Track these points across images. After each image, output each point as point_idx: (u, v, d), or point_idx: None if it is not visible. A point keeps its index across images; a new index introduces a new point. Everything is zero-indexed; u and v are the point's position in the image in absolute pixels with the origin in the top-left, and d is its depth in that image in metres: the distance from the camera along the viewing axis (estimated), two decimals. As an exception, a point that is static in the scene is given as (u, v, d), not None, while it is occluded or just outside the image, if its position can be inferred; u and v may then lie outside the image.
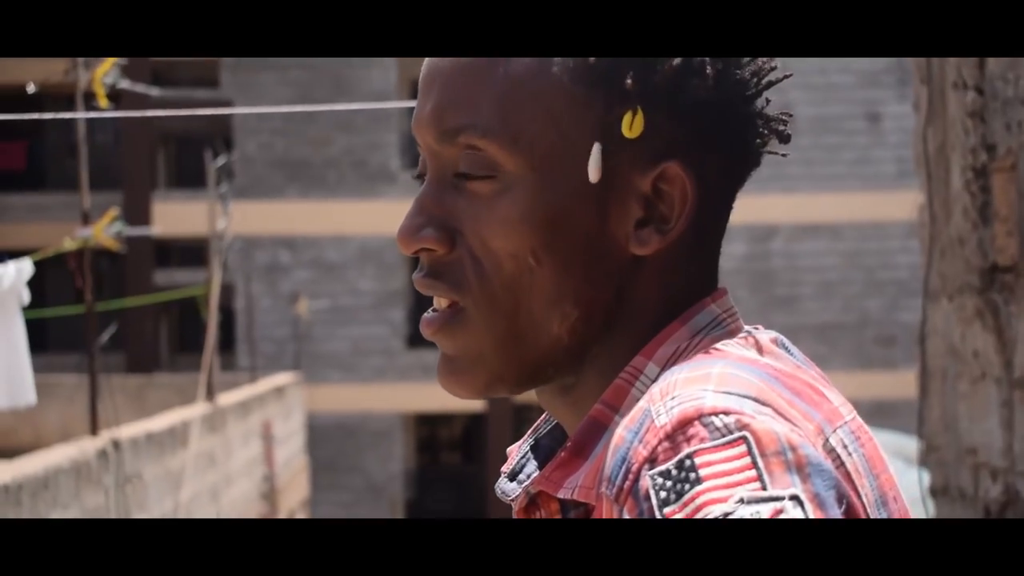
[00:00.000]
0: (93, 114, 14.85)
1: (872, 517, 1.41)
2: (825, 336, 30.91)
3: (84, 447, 11.43)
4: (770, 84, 1.58)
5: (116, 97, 14.26)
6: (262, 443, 18.20)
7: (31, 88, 16.62)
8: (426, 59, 1.60)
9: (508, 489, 1.64)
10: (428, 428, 33.36)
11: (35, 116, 19.11)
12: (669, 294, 1.54)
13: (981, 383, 3.97)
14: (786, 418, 1.39)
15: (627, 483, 1.36)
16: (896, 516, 1.46)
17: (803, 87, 30.83)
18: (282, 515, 19.20)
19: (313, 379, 27.05)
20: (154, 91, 20.27)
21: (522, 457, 1.69)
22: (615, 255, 1.51)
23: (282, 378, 22.01)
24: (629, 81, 1.46)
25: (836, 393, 1.55)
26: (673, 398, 1.37)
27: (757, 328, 1.58)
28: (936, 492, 4.45)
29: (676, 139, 1.49)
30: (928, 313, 4.49)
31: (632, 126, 1.47)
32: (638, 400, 1.44)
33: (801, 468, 1.33)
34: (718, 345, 1.50)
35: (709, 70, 1.51)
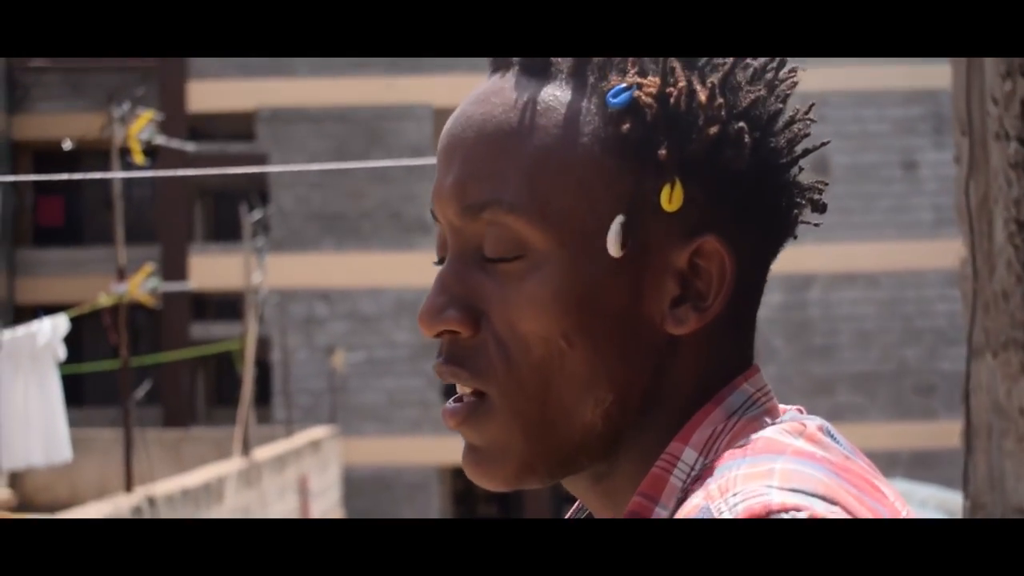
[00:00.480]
0: (128, 174, 15.18)
1: None
2: (863, 386, 30.91)
3: (119, 503, 11.52)
4: (806, 152, 1.51)
5: (152, 152, 14.59)
6: (298, 497, 18.21)
7: (68, 144, 16.75)
8: (445, 128, 1.52)
9: None
10: (464, 480, 32.14)
11: (70, 176, 19.22)
12: (704, 374, 1.49)
13: None
14: (852, 513, 1.35)
15: None
16: None
17: (838, 135, 30.52)
18: None
19: (349, 432, 27.14)
20: (189, 146, 20.50)
21: None
22: (650, 335, 1.45)
23: (318, 431, 22.25)
24: (663, 152, 1.39)
25: (889, 486, 1.50)
26: (735, 494, 1.32)
27: (800, 411, 1.53)
28: None
29: (712, 212, 1.43)
30: (972, 369, 4.38)
31: (672, 199, 1.40)
32: (676, 488, 1.43)
33: None
34: (770, 433, 1.44)
35: (746, 139, 1.44)
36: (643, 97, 1.43)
